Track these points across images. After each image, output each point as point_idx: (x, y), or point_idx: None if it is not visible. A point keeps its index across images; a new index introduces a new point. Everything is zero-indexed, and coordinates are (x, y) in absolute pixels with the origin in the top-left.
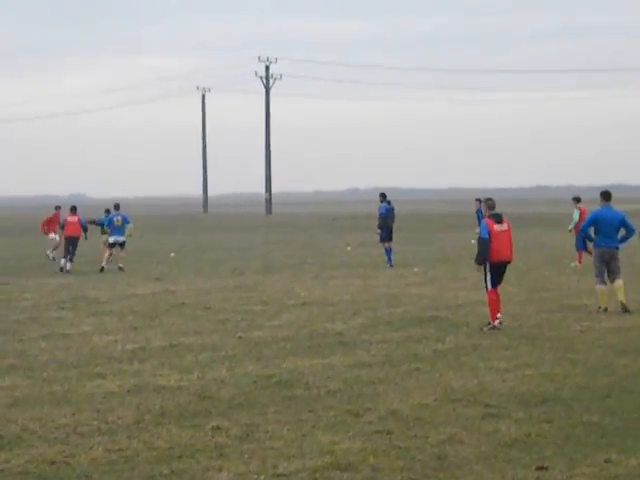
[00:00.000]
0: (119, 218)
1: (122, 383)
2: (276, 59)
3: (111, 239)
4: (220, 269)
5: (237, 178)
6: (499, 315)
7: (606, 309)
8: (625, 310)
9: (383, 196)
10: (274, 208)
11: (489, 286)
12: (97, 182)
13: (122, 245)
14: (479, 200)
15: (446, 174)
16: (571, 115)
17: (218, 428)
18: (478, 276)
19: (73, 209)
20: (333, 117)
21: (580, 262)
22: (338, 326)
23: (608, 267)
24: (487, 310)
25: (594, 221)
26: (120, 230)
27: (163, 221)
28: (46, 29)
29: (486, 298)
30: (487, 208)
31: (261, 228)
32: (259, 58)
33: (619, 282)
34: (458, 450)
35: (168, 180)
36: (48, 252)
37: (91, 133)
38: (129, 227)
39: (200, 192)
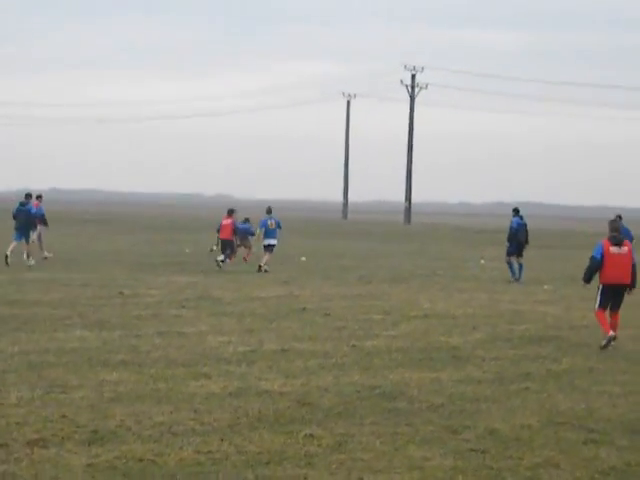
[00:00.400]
0: (272, 222)
1: (226, 385)
2: (422, 68)
3: (265, 242)
4: (348, 276)
5: (379, 185)
6: (611, 333)
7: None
8: None
9: (516, 211)
10: (416, 217)
11: (596, 306)
12: (242, 183)
13: (272, 248)
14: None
15: (595, 192)
16: None
17: (311, 436)
18: None
19: (230, 212)
20: (483, 127)
21: None
22: (454, 340)
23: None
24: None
25: None
26: (273, 233)
27: (300, 225)
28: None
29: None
30: (610, 229)
31: (397, 237)
32: (405, 66)
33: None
34: (552, 474)
35: (311, 185)
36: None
37: (238, 134)
38: (278, 231)
39: (341, 198)
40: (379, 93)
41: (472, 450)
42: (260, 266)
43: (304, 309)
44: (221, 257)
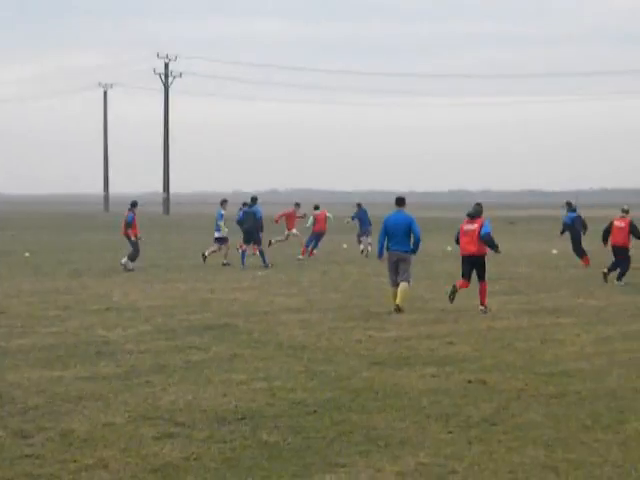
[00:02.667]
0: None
1: None
2: (176, 57)
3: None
4: (61, 270)
5: (139, 177)
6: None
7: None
8: (397, 310)
9: (569, 205)
10: (181, 208)
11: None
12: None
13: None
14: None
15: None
16: None
17: None
18: (313, 281)
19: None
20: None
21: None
22: (113, 334)
23: (397, 269)
24: (280, 317)
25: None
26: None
27: (57, 219)
28: None
29: None
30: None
31: (153, 228)
32: (158, 55)
33: (403, 284)
34: (94, 476)
35: (70, 178)
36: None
37: None
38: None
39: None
40: (138, 83)
41: (27, 456)
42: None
43: None
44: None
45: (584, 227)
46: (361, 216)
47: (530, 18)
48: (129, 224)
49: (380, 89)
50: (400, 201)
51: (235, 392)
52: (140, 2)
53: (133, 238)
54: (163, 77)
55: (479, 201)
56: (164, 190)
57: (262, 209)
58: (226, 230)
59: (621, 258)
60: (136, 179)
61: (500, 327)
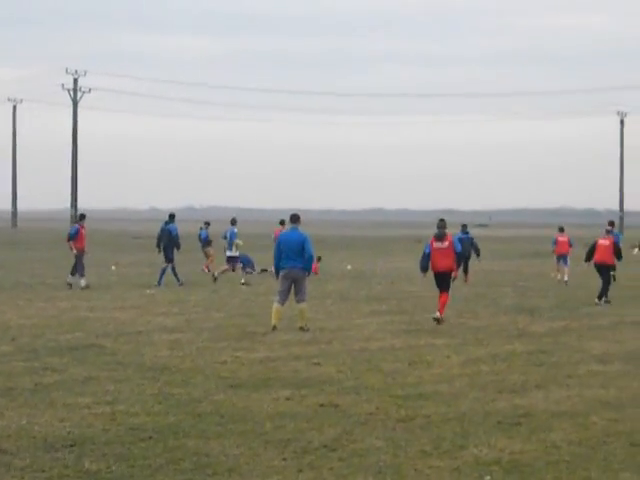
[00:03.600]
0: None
1: None
2: (85, 72)
3: None
4: None
5: (48, 193)
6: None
7: (274, 327)
8: (303, 330)
9: (464, 227)
10: (91, 224)
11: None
12: None
13: None
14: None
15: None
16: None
17: None
18: (200, 300)
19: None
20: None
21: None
22: None
23: (289, 288)
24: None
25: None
26: None
27: None
28: None
29: None
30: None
31: (57, 244)
32: (67, 70)
33: (301, 306)
34: None
35: None
36: None
37: None
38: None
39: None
40: (48, 98)
41: None
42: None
43: None
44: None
45: (476, 250)
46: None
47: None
48: (72, 236)
49: (283, 106)
50: (294, 218)
51: (74, 417)
52: (49, 15)
53: (74, 251)
54: (72, 92)
55: (442, 217)
56: (72, 206)
57: (178, 226)
58: (238, 248)
59: (606, 277)
60: (45, 195)
61: (373, 348)
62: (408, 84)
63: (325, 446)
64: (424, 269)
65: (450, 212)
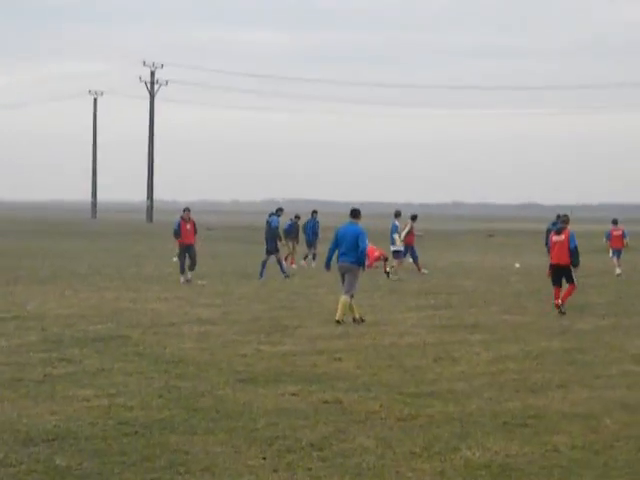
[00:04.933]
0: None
1: None
2: (162, 65)
3: None
4: (3, 276)
5: (126, 185)
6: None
7: (358, 319)
8: (354, 320)
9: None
10: (167, 216)
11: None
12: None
13: None
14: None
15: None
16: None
17: None
18: (246, 292)
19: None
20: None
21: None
22: None
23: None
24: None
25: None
26: None
27: (38, 226)
28: None
29: None
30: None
31: (135, 235)
32: (144, 63)
33: (343, 297)
34: None
35: (64, 184)
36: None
37: None
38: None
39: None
40: (126, 91)
41: None
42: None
43: None
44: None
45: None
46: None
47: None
48: (176, 232)
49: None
50: (354, 213)
51: (68, 410)
52: (127, 11)
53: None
54: (149, 85)
55: (565, 213)
56: (148, 198)
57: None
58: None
59: None
60: (123, 187)
61: (403, 343)
62: (483, 76)
63: (312, 445)
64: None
65: (532, 206)
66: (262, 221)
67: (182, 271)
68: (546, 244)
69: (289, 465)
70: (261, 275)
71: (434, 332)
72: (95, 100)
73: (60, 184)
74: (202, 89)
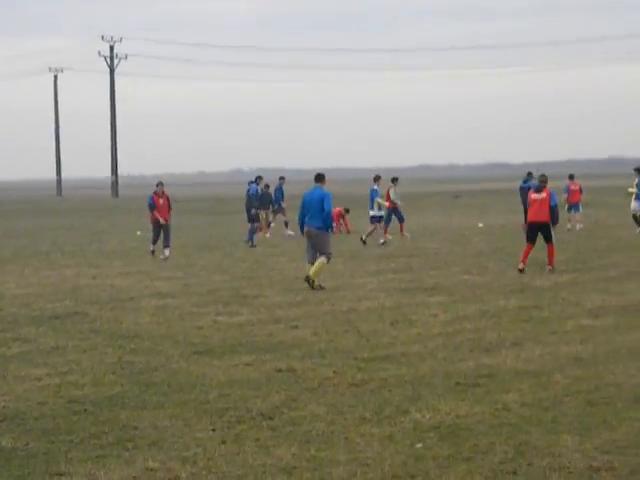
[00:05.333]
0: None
1: None
2: (121, 39)
3: None
4: None
5: (88, 161)
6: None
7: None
8: (307, 282)
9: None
10: (132, 191)
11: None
12: None
13: None
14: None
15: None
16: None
17: None
18: (208, 264)
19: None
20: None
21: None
22: None
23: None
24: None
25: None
26: None
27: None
28: None
29: None
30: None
31: (99, 211)
32: (102, 37)
33: (320, 258)
34: None
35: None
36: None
37: None
38: None
39: (53, 175)
40: (87, 66)
41: None
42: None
43: None
44: None
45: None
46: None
47: None
48: (152, 207)
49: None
50: (318, 177)
51: (18, 390)
52: None
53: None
54: (108, 60)
55: (543, 173)
56: (112, 173)
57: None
58: (381, 208)
59: None
60: (86, 163)
61: (362, 308)
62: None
63: (262, 415)
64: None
65: (502, 166)
66: (228, 192)
67: (154, 242)
68: (523, 202)
69: (237, 436)
70: (252, 243)
71: (393, 296)
72: (55, 77)
73: (26, 162)
74: (164, 62)
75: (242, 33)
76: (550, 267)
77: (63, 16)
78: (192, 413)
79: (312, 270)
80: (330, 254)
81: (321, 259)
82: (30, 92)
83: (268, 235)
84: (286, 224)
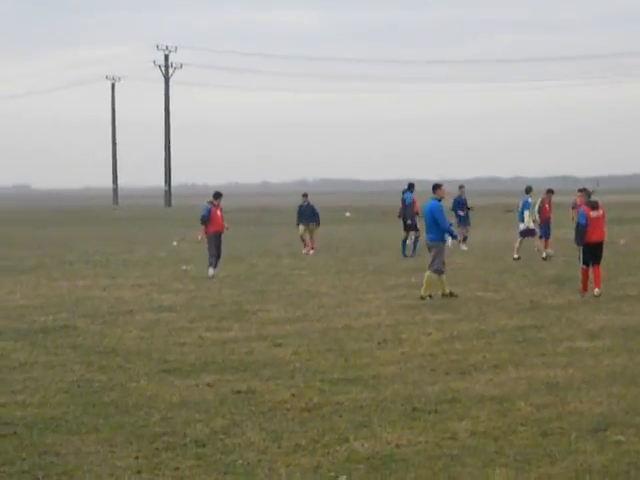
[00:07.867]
0: None
1: None
2: (176, 48)
3: None
4: None
5: (143, 170)
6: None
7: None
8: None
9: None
10: (185, 201)
11: (580, 263)
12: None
13: None
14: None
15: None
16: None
17: None
18: (227, 276)
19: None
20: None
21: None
22: None
23: None
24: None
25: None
26: None
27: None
28: None
29: None
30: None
31: (153, 220)
32: (157, 47)
33: (427, 272)
34: None
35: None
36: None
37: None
38: None
39: (109, 184)
40: (140, 75)
41: None
42: None
43: None
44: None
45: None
46: None
47: None
48: (204, 219)
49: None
50: (433, 187)
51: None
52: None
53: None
54: (163, 69)
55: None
56: (165, 183)
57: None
58: (531, 221)
59: None
60: (140, 172)
61: (358, 326)
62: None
63: (195, 441)
64: (582, 241)
65: (565, 179)
66: (285, 203)
67: (213, 264)
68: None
69: (157, 465)
70: (404, 254)
71: (396, 313)
72: (113, 85)
73: (86, 172)
74: (222, 71)
75: (304, 44)
76: (599, 289)
77: (120, 25)
78: (124, 438)
79: (422, 289)
80: (435, 270)
81: (428, 274)
82: (86, 101)
83: (311, 252)
84: (464, 239)
